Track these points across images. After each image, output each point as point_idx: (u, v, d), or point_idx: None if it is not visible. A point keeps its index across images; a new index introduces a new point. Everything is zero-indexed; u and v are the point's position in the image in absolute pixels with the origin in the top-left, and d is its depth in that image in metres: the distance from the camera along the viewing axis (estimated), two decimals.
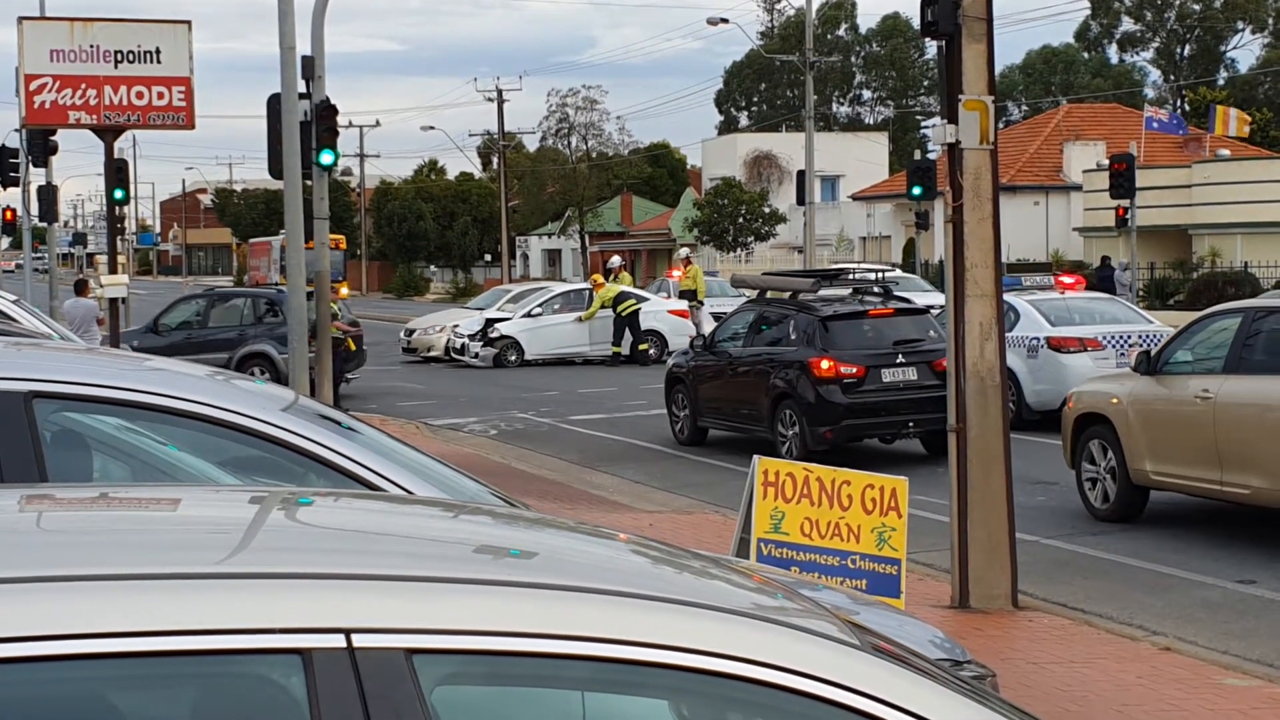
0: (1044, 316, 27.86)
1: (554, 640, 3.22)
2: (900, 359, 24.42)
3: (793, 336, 25.05)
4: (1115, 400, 18.50)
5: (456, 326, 47.55)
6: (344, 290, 78.73)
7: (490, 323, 45.96)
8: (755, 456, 11.96)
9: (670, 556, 4.18)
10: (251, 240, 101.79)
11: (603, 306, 45.75)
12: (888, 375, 24.26)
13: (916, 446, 25.17)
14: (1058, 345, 26.71)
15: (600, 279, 47.63)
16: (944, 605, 13.99)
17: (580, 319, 45.94)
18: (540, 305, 47.05)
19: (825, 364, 23.92)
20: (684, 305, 47.04)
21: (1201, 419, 17.09)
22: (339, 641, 3.12)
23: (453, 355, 46.46)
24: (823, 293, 26.05)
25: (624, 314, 44.48)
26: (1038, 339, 27.06)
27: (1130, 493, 18.39)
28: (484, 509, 5.26)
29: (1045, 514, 19.14)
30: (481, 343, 45.21)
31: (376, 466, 6.33)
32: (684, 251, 56.42)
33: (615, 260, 52.91)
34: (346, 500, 4.88)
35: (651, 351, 44.73)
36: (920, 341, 24.75)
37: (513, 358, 45.11)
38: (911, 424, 24.20)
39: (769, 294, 27.99)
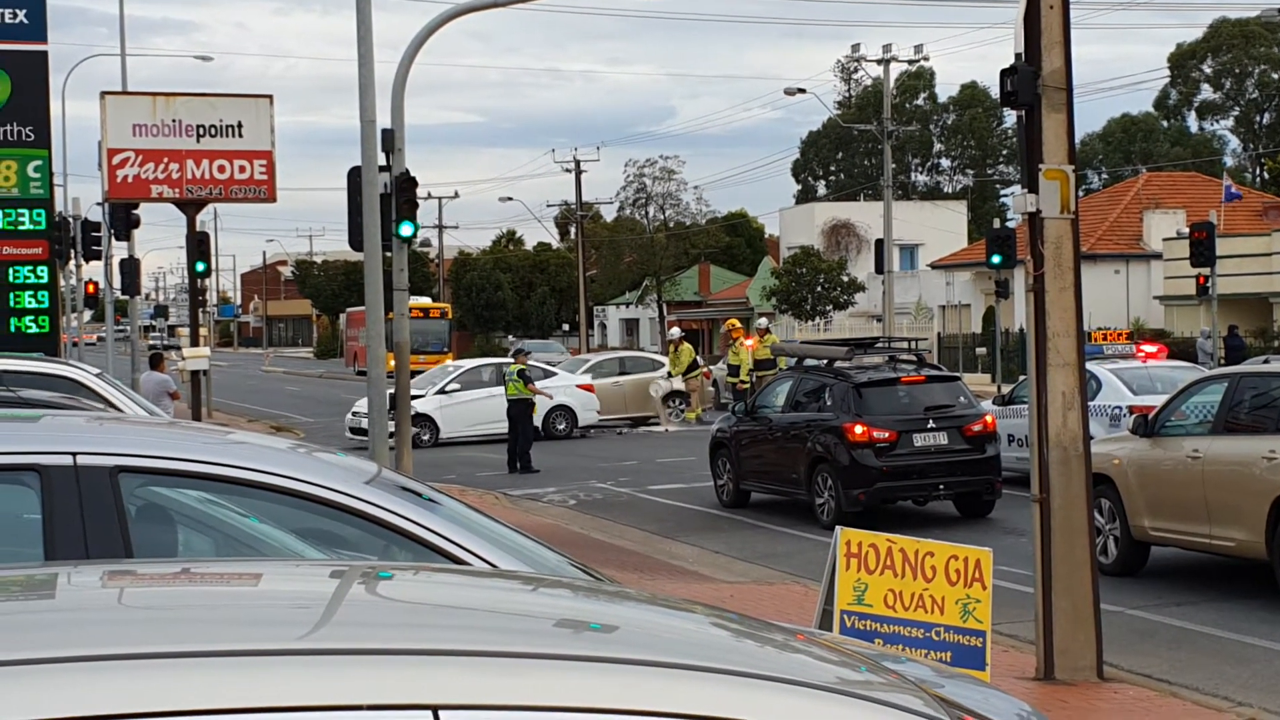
0: (1126, 385, 27.72)
1: (637, 716, 3.20)
2: (931, 424, 25.36)
3: (828, 402, 25.95)
4: (1117, 461, 19.54)
5: (358, 408, 44.48)
6: (450, 360, 78.31)
7: None
8: (838, 528, 11.92)
9: (752, 630, 4.15)
10: (349, 310, 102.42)
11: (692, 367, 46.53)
12: (919, 440, 25.19)
13: (950, 509, 26.18)
14: (1140, 415, 26.54)
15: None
16: (1029, 677, 13.86)
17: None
18: (456, 381, 45.27)
19: (859, 429, 24.88)
20: (588, 379, 47.03)
21: (1192, 477, 18.33)
22: (427, 719, 3.10)
23: (352, 433, 43.11)
24: (857, 360, 27.05)
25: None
26: (1120, 408, 26.91)
27: (1131, 548, 19.53)
28: (564, 582, 5.25)
29: (1130, 584, 18.99)
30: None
31: (458, 539, 6.33)
32: (761, 322, 56.40)
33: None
34: (428, 574, 4.87)
35: (561, 426, 44.67)
36: (951, 407, 25.75)
37: (426, 438, 42.43)
38: (942, 486, 25.30)
39: (806, 361, 29.11)
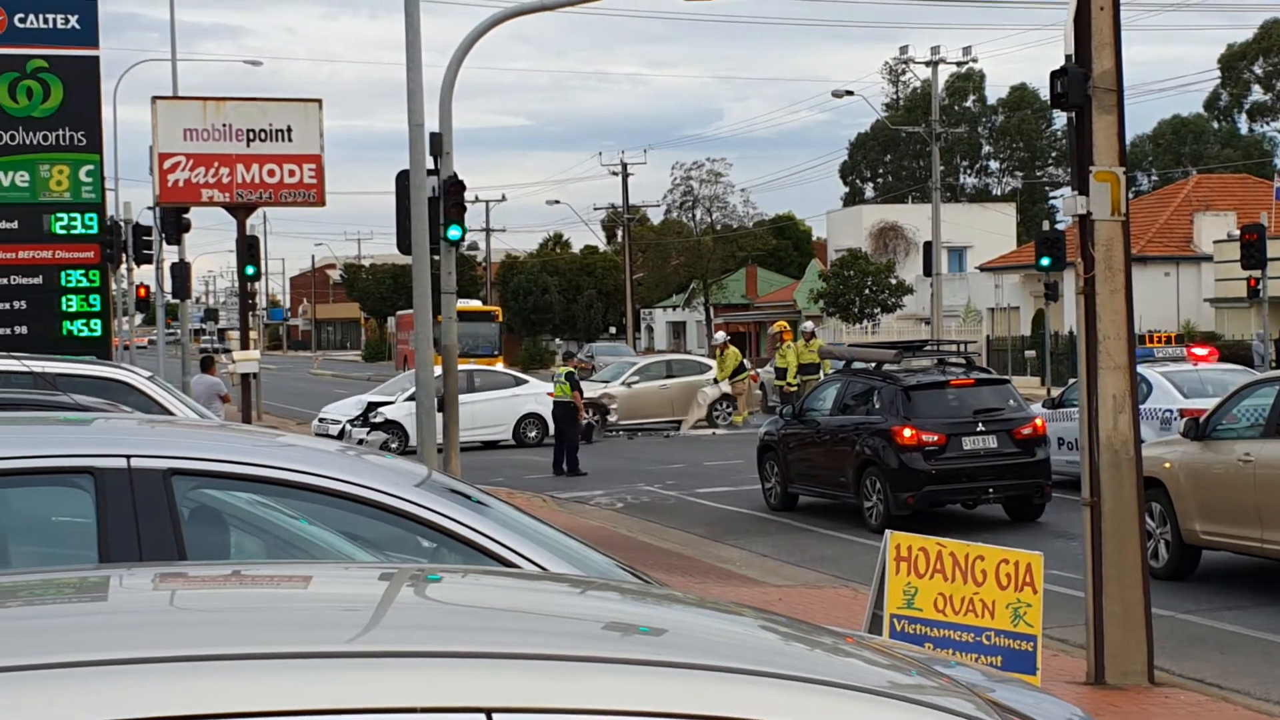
0: (1177, 388, 27.58)
1: None
2: (981, 427, 25.23)
3: (877, 405, 25.87)
4: (1168, 465, 19.40)
5: (325, 413, 44.15)
6: (499, 364, 78.13)
7: (372, 406, 41.71)
8: (887, 531, 11.90)
9: (801, 633, 4.14)
10: (399, 312, 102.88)
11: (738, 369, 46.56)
12: (968, 443, 25.07)
13: (999, 512, 25.95)
14: (1192, 418, 26.41)
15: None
16: (1079, 681, 13.81)
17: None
18: None
19: (908, 432, 24.80)
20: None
21: (1243, 481, 18.16)
22: None
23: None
24: (906, 363, 27.07)
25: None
26: (1171, 411, 26.78)
27: (1182, 552, 19.36)
28: (613, 585, 5.25)
29: (1181, 588, 18.89)
30: (367, 429, 40.24)
31: (508, 541, 6.34)
32: (807, 326, 56.21)
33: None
34: (477, 576, 4.87)
35: (532, 434, 44.28)
36: (1000, 410, 25.59)
37: (395, 445, 38.68)
38: (991, 490, 25.14)
39: (854, 364, 29.07)
